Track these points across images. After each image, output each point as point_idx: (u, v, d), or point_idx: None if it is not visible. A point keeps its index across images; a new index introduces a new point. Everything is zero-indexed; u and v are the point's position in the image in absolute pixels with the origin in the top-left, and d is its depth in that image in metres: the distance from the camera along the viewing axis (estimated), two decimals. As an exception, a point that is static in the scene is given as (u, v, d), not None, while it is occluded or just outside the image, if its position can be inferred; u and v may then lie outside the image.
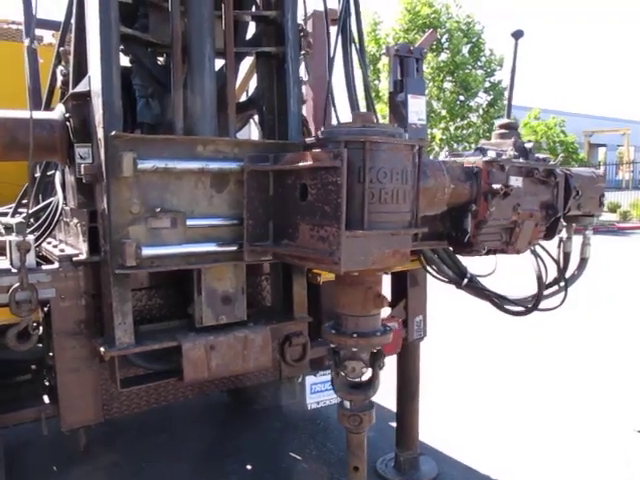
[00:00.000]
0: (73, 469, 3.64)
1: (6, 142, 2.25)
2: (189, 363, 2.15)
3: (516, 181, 2.36)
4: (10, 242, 2.15)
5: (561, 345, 6.32)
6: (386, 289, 3.40)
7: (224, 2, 2.28)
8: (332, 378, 2.22)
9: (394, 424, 3.61)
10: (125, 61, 2.49)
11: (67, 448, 3.47)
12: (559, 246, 3.07)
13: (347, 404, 2.17)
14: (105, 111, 2.01)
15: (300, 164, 1.91)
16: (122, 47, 2.32)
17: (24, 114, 2.30)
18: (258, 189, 2.10)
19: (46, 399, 2.35)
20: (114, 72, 2.03)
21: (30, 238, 2.22)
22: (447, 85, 22.41)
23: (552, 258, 3.01)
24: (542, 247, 2.92)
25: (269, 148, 2.21)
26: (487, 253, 2.46)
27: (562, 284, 2.95)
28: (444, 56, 22.24)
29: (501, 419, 4.40)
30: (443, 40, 22.01)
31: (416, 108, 3.33)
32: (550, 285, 3.02)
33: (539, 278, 2.83)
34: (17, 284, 2.08)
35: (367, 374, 2.19)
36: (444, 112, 22.44)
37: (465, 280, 3.03)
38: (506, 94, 3.00)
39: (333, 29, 3.46)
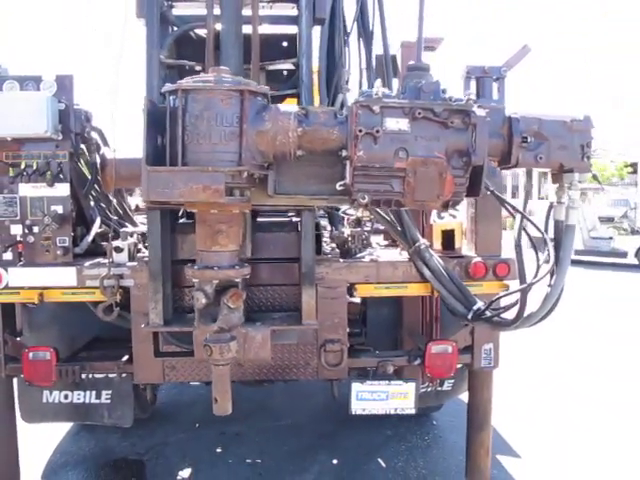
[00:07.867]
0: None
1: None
2: (198, 345, 2.73)
3: (396, 123, 2.13)
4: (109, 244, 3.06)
5: None
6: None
7: (252, 56, 2.82)
8: None
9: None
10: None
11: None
12: (548, 213, 2.54)
13: (208, 336, 2.49)
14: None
15: None
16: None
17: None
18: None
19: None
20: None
21: (126, 242, 3.10)
22: None
23: (534, 225, 2.55)
24: (524, 215, 2.59)
25: None
26: (377, 204, 2.24)
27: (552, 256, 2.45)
28: None
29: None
30: None
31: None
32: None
33: (519, 259, 2.55)
34: (104, 273, 2.97)
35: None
36: None
37: (470, 313, 2.77)
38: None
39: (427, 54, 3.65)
